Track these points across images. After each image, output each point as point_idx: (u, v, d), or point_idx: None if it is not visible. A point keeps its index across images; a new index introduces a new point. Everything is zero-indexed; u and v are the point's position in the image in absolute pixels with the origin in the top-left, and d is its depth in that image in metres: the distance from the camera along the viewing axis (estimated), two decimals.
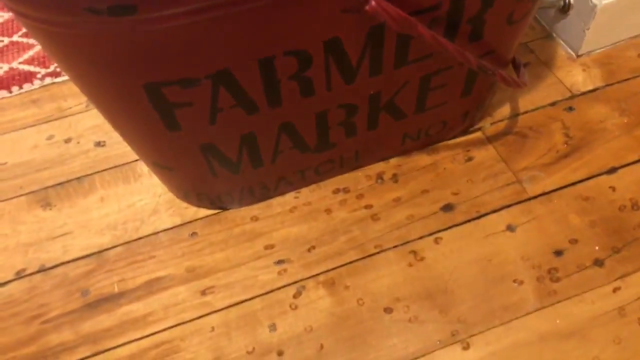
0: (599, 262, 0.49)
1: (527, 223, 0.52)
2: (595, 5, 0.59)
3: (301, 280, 0.50)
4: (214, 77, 0.37)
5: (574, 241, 0.51)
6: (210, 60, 0.36)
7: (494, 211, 0.53)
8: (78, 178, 0.59)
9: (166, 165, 0.49)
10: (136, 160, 0.59)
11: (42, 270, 0.52)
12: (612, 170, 0.55)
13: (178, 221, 0.55)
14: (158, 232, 0.54)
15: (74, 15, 0.31)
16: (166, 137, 0.43)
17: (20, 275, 0.52)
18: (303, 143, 0.48)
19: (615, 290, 0.48)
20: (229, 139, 0.44)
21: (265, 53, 0.37)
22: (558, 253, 0.50)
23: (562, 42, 0.67)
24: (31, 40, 0.72)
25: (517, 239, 0.51)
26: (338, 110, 0.46)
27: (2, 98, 0.66)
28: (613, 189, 0.54)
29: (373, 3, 0.35)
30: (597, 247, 0.50)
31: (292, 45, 0.37)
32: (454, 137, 0.59)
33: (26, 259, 0.52)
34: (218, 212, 0.55)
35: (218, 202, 0.54)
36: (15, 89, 0.67)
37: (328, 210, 0.54)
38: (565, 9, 0.64)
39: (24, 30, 0.74)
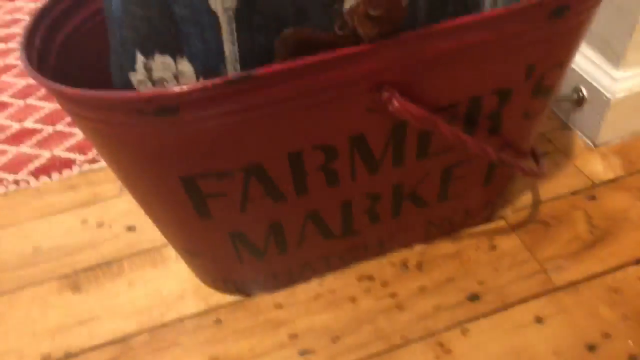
0: (633, 358, 0.48)
1: (556, 315, 0.51)
2: (609, 100, 0.62)
3: None
4: (246, 169, 0.40)
5: (606, 335, 0.49)
6: (244, 155, 0.38)
7: (521, 301, 0.53)
8: (108, 262, 0.60)
9: (195, 251, 0.50)
10: (165, 245, 0.61)
11: (67, 356, 0.52)
12: None
13: (203, 307, 0.55)
14: (183, 319, 0.54)
15: (124, 115, 0.34)
16: (197, 224, 0.45)
17: None
18: (328, 230, 0.50)
19: None
20: (258, 227, 0.46)
21: (294, 148, 0.39)
22: (591, 348, 0.49)
23: (579, 132, 0.69)
24: (73, 129, 0.77)
25: (546, 332, 0.50)
26: (362, 199, 0.47)
27: (43, 183, 0.70)
28: None
29: (396, 103, 0.37)
30: (630, 342, 0.49)
31: (320, 140, 0.40)
32: (477, 224, 0.60)
33: (53, 344, 0.53)
34: (243, 299, 0.55)
35: (243, 288, 0.55)
36: (55, 175, 0.71)
37: (353, 299, 0.54)
38: (579, 102, 0.66)
39: (67, 119, 0.79)
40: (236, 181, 0.40)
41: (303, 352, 0.50)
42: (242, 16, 0.33)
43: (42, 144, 0.75)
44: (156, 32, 0.34)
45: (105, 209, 0.66)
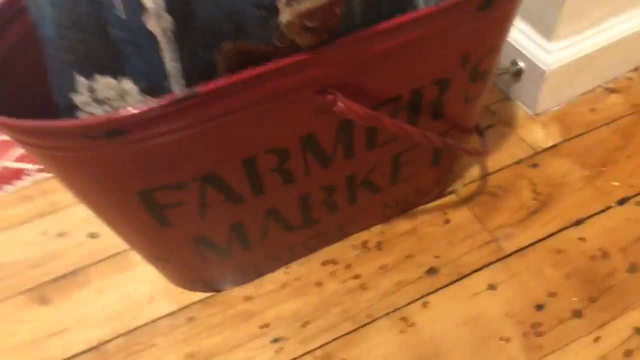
0: (577, 313, 0.52)
1: (507, 280, 0.55)
2: (544, 71, 0.65)
3: (299, 357, 0.51)
4: (201, 179, 0.41)
5: (552, 294, 0.54)
6: (197, 166, 0.39)
7: (475, 271, 0.56)
8: (73, 271, 0.60)
9: (160, 257, 0.51)
10: (130, 249, 0.61)
11: None
12: (580, 222, 0.59)
13: (175, 307, 0.56)
14: (156, 320, 0.55)
15: (71, 141, 0.34)
16: (159, 233, 0.45)
17: None
18: (289, 224, 0.51)
19: (596, 339, 0.50)
20: (219, 229, 0.47)
21: (247, 154, 0.41)
22: (539, 307, 0.53)
23: (520, 103, 0.72)
24: None
25: (499, 297, 0.54)
26: (318, 191, 0.49)
27: None
28: (583, 239, 0.58)
29: (340, 104, 0.39)
30: (574, 299, 0.53)
31: (272, 144, 0.41)
32: (430, 201, 0.63)
33: (28, 359, 0.53)
34: (213, 295, 0.57)
35: (212, 284, 0.56)
36: (6, 187, 0.69)
37: (319, 284, 0.57)
38: (517, 74, 0.70)
39: None
40: (192, 190, 0.41)
41: (275, 340, 0.53)
42: (181, 34, 0.33)
43: None
44: (94, 54, 0.34)
45: (64, 218, 0.66)
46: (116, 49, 0.34)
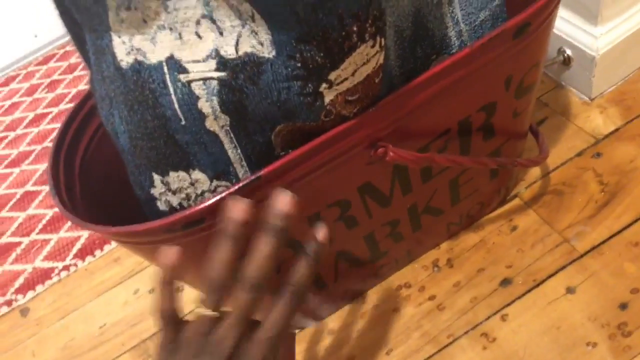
0: None
1: (585, 281, 0.55)
2: (594, 57, 0.63)
3: None
4: None
5: (635, 290, 0.53)
6: None
7: (550, 276, 0.56)
8: None
9: None
10: None
11: None
12: None
13: None
14: None
15: (156, 236, 0.38)
16: None
17: None
18: (358, 260, 0.54)
19: None
20: None
21: (311, 212, 0.43)
22: (623, 306, 0.52)
23: (573, 89, 0.70)
24: None
25: (579, 300, 0.54)
26: (382, 228, 0.51)
27: (89, 263, 0.75)
28: None
29: (391, 154, 0.40)
30: None
31: (333, 199, 0.43)
32: (494, 209, 0.63)
33: None
34: (297, 332, 0.60)
35: (294, 324, 0.60)
36: (97, 252, 0.76)
37: (396, 309, 0.58)
38: (567, 62, 0.68)
39: None
40: None
41: None
42: (237, 128, 0.36)
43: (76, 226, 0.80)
44: (165, 157, 0.38)
45: (152, 276, 0.71)
46: (183, 149, 0.37)
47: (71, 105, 1.04)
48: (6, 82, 1.19)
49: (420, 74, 0.38)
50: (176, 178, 0.39)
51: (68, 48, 1.21)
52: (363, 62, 0.32)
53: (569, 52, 0.66)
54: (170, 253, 0.35)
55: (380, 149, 0.40)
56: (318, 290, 0.54)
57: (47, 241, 0.80)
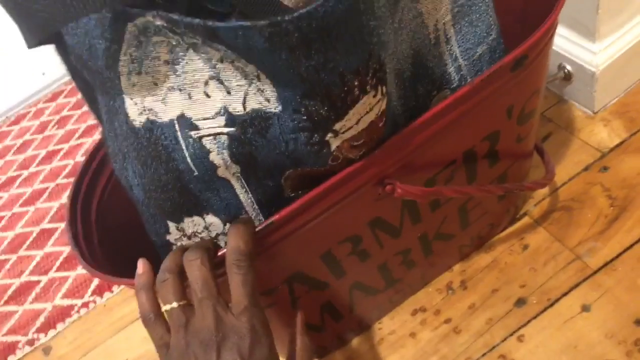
0: None
1: (600, 298, 0.55)
2: (594, 72, 0.64)
3: None
4: (288, 281, 0.44)
5: None
6: (283, 272, 0.43)
7: (565, 294, 0.56)
8: None
9: None
10: None
11: None
12: None
13: None
14: None
15: None
16: None
17: None
18: (372, 289, 0.54)
19: None
20: (311, 313, 0.51)
21: (323, 250, 0.44)
22: (639, 322, 0.52)
23: (575, 103, 0.71)
24: None
25: (595, 318, 0.54)
26: (395, 257, 0.52)
27: (107, 299, 0.77)
28: None
29: (399, 190, 0.41)
30: None
31: (344, 235, 0.44)
32: (505, 229, 0.63)
33: None
34: None
35: (314, 355, 0.60)
36: (115, 287, 0.77)
37: (412, 334, 0.59)
38: (567, 77, 0.68)
39: None
40: (282, 292, 0.45)
41: None
42: (248, 175, 0.37)
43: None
44: (180, 205, 0.39)
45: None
46: (196, 197, 0.38)
47: (82, 140, 1.06)
48: (17, 121, 1.22)
49: (422, 110, 0.39)
50: (190, 223, 0.40)
51: None
52: (366, 111, 0.33)
53: (569, 67, 0.67)
54: (140, 264, 0.38)
55: (388, 186, 0.41)
56: (334, 322, 0.54)
57: (65, 278, 0.81)
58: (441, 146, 0.42)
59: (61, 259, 0.85)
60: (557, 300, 0.56)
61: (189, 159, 0.35)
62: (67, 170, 1.01)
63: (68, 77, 1.21)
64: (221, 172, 0.36)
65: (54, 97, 1.23)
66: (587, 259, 0.58)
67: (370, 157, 0.38)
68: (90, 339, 0.73)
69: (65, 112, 1.16)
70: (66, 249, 0.86)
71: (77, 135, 1.08)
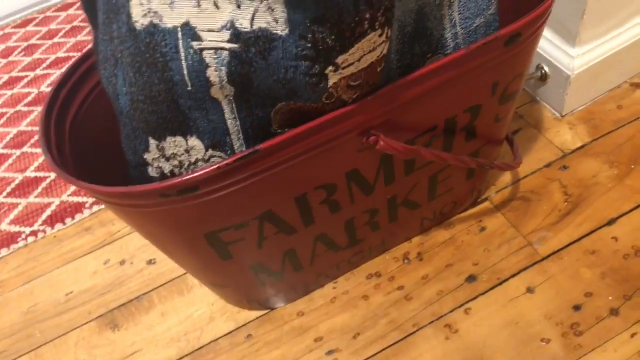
0: (614, 312, 0.55)
1: (544, 283, 0.58)
2: (569, 75, 0.67)
3: None
4: (260, 217, 0.45)
5: (589, 294, 0.57)
6: (256, 207, 0.44)
7: (513, 276, 0.59)
8: (138, 297, 0.66)
9: (219, 284, 0.56)
10: (186, 273, 0.66)
11: None
12: (612, 222, 0.62)
13: (233, 326, 0.61)
14: (217, 339, 0.60)
15: (148, 199, 0.39)
16: (220, 266, 0.50)
17: None
18: (335, 245, 0.55)
19: (632, 335, 0.53)
20: (274, 257, 0.51)
21: (299, 192, 0.44)
22: (577, 308, 0.56)
23: (546, 104, 0.74)
24: None
25: (537, 300, 0.57)
26: (362, 215, 0.53)
27: (58, 230, 0.74)
28: (615, 239, 0.60)
29: (382, 143, 0.42)
30: (610, 297, 0.56)
31: (321, 181, 0.45)
32: (466, 210, 0.66)
33: None
34: (268, 312, 0.61)
35: (266, 303, 0.61)
36: (68, 220, 0.75)
37: (365, 297, 0.61)
38: (543, 78, 0.72)
39: None
40: (252, 228, 0.45)
41: (329, 352, 0.57)
42: (240, 99, 0.37)
43: (49, 191, 0.79)
44: (165, 121, 0.38)
45: (123, 247, 0.71)
46: (184, 114, 0.38)
47: (48, 71, 1.02)
48: None
49: (416, 69, 0.40)
50: (172, 143, 0.40)
51: (48, 14, 1.18)
52: (370, 49, 0.34)
53: (546, 69, 0.70)
54: None
55: (372, 136, 0.42)
56: (293, 271, 0.55)
57: (15, 204, 0.78)
58: (427, 107, 0.44)
59: (13, 185, 0.81)
60: (505, 280, 0.59)
61: (185, 71, 0.35)
62: (29, 98, 0.97)
63: (41, 6, 1.15)
64: (214, 91, 0.36)
65: (23, 23, 1.17)
66: (537, 246, 0.61)
67: (361, 103, 0.39)
68: (35, 268, 0.71)
69: (33, 41, 1.11)
70: (19, 176, 0.83)
71: (44, 65, 1.04)
